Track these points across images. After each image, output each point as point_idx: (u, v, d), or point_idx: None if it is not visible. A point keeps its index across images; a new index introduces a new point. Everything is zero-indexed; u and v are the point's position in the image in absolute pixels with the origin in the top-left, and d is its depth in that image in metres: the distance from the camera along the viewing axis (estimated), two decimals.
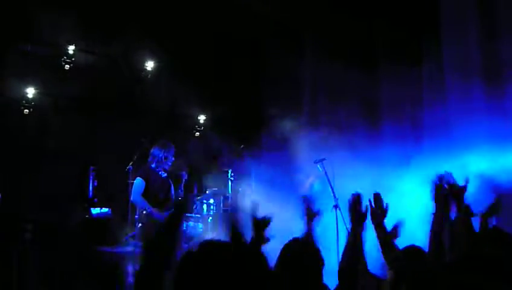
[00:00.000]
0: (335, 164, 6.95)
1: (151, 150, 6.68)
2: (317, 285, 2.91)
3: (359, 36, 8.63)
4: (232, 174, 8.45)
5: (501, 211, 3.29)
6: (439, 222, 3.12)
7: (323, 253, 2.95)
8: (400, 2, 8.03)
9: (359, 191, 3.25)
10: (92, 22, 8.74)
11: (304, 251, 2.94)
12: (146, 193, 6.47)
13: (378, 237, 3.42)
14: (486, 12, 6.84)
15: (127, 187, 7.50)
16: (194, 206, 7.29)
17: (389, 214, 3.52)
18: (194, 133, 10.15)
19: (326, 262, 2.94)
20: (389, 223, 3.50)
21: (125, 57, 9.42)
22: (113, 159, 8.25)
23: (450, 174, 3.27)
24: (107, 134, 8.88)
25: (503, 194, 6.31)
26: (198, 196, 7.45)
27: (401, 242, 3.90)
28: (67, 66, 8.72)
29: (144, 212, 6.48)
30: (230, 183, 8.33)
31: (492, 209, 3.29)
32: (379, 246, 3.45)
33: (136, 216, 6.78)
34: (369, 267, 3.48)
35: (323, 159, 6.94)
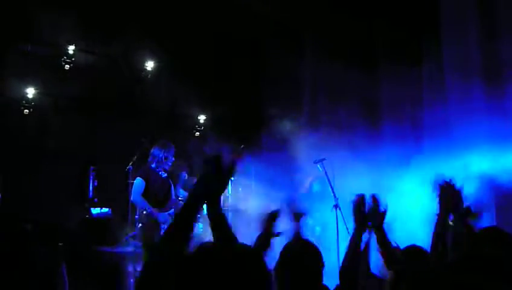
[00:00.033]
0: (335, 164, 6.95)
1: (151, 150, 6.68)
2: (317, 286, 2.91)
3: (359, 36, 8.63)
4: None
5: (477, 216, 3.27)
6: (442, 223, 3.12)
7: (323, 253, 2.95)
8: (400, 2, 8.03)
9: (362, 192, 3.24)
10: (92, 22, 8.74)
11: (304, 251, 2.93)
12: (146, 193, 6.47)
13: (377, 240, 3.41)
14: (486, 12, 6.84)
15: (127, 187, 7.51)
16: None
17: (389, 214, 3.52)
18: (194, 133, 10.15)
19: (326, 262, 2.94)
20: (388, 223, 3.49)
21: (125, 57, 9.43)
22: (113, 159, 8.26)
23: (452, 178, 3.26)
24: (107, 134, 8.89)
25: (505, 195, 6.35)
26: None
27: (402, 242, 3.91)
28: (67, 66, 8.73)
29: (144, 212, 6.48)
30: (230, 183, 8.34)
31: (470, 212, 3.27)
32: (378, 248, 3.44)
33: (136, 216, 6.78)
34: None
35: (324, 159, 6.95)
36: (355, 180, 6.93)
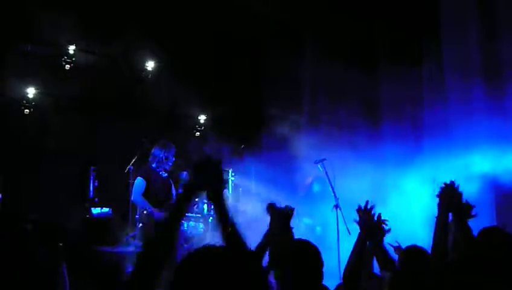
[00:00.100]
0: (335, 164, 6.95)
1: (152, 150, 6.68)
2: (317, 285, 2.91)
3: (359, 36, 8.63)
4: (233, 174, 8.46)
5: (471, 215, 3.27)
6: (442, 224, 3.12)
7: (324, 253, 2.95)
8: (400, 2, 8.03)
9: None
10: (92, 22, 8.74)
11: (304, 251, 2.94)
12: (146, 193, 6.47)
13: (376, 256, 3.40)
14: (486, 12, 6.84)
15: (128, 187, 7.51)
16: (195, 206, 7.28)
17: (389, 214, 3.52)
18: (194, 133, 10.15)
19: (326, 262, 2.94)
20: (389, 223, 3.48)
21: (126, 57, 9.42)
22: (114, 159, 8.26)
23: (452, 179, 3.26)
24: (107, 134, 8.88)
25: (505, 195, 6.35)
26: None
27: (402, 241, 3.91)
28: (67, 66, 8.72)
29: (145, 212, 6.49)
30: (231, 183, 8.34)
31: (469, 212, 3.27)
32: (377, 263, 3.44)
33: (137, 216, 6.78)
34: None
35: (324, 159, 6.95)
36: (356, 180, 6.94)
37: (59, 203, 7.97)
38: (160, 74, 9.61)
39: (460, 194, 3.19)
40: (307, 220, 7.93)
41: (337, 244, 6.34)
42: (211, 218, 7.51)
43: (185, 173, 7.15)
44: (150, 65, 9.47)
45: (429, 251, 3.18)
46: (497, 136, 6.16)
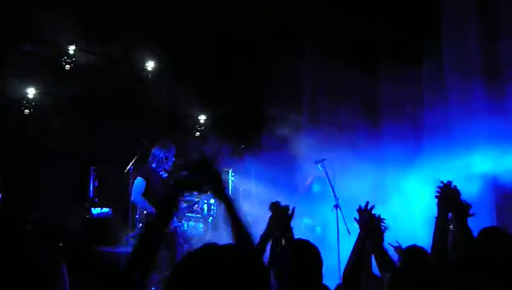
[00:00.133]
0: (335, 164, 6.95)
1: (152, 150, 6.68)
2: (317, 285, 2.91)
3: (359, 36, 8.64)
4: (233, 174, 8.46)
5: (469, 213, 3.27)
6: (442, 224, 3.12)
7: (324, 253, 2.95)
8: (400, 2, 8.03)
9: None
10: (92, 22, 8.74)
11: (303, 251, 2.94)
12: (146, 193, 6.47)
13: (375, 256, 3.40)
14: (486, 12, 6.84)
15: (128, 187, 7.51)
16: (196, 206, 7.28)
17: (390, 214, 3.52)
18: (194, 133, 10.15)
19: (326, 262, 2.94)
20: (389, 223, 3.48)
21: (126, 57, 9.42)
22: (114, 159, 8.25)
23: (451, 182, 3.26)
24: (107, 134, 8.88)
25: (505, 195, 6.35)
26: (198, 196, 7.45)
27: (402, 241, 3.91)
28: (67, 66, 8.72)
29: (145, 212, 6.48)
30: (231, 183, 8.34)
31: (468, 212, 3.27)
32: (376, 263, 3.43)
33: (137, 216, 6.78)
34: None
35: (324, 159, 6.94)
36: (356, 180, 6.94)
37: (59, 203, 7.97)
38: (160, 74, 9.61)
39: (459, 194, 3.19)
40: (307, 220, 7.94)
41: (337, 244, 6.34)
42: (211, 218, 7.52)
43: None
44: (150, 65, 9.47)
45: (429, 251, 3.18)
46: (497, 136, 6.17)
